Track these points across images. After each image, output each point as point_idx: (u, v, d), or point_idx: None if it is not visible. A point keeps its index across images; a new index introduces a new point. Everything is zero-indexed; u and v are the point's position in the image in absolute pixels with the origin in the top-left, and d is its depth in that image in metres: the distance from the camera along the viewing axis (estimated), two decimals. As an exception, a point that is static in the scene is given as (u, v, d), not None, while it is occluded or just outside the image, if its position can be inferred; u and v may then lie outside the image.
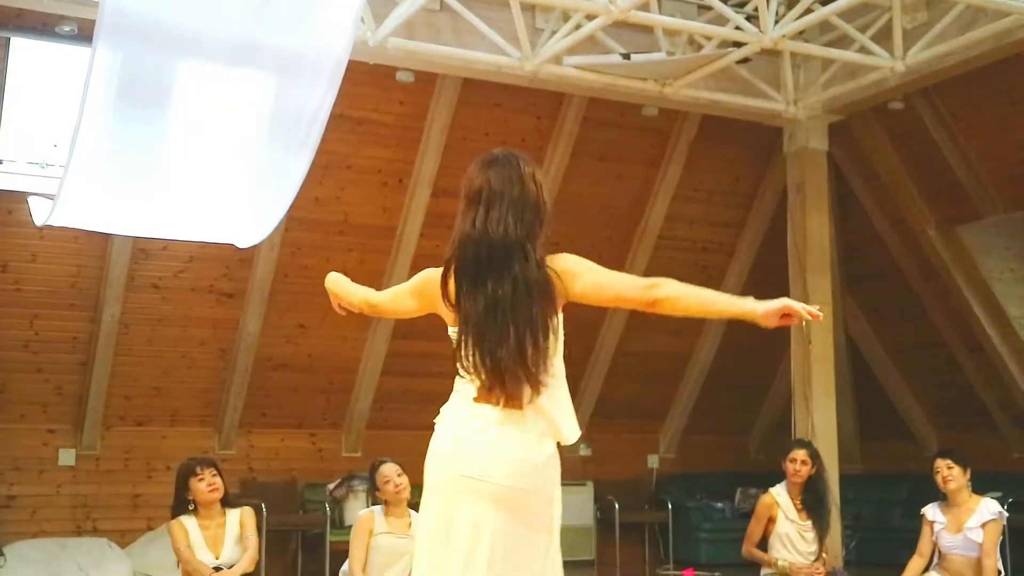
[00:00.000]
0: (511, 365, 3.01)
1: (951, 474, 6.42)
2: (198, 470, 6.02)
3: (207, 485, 6.00)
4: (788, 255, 10.18)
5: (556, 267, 3.10)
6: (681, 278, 3.03)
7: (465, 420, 3.08)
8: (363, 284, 12.54)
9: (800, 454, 6.83)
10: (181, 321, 10.66)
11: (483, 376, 3.05)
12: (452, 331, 3.19)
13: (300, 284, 10.86)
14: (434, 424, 3.23)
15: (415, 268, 10.86)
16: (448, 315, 3.20)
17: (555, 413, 3.10)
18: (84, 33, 7.86)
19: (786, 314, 2.95)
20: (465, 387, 3.15)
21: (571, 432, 3.14)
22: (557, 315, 3.13)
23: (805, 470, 6.80)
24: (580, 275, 3.11)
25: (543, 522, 3.07)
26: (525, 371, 3.02)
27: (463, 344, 3.09)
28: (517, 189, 3.14)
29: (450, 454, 3.07)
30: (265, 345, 10.99)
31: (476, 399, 3.09)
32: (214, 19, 6.36)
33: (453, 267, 3.14)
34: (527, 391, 3.03)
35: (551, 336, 3.07)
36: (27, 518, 10.35)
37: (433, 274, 3.26)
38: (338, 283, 3.71)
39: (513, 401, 3.04)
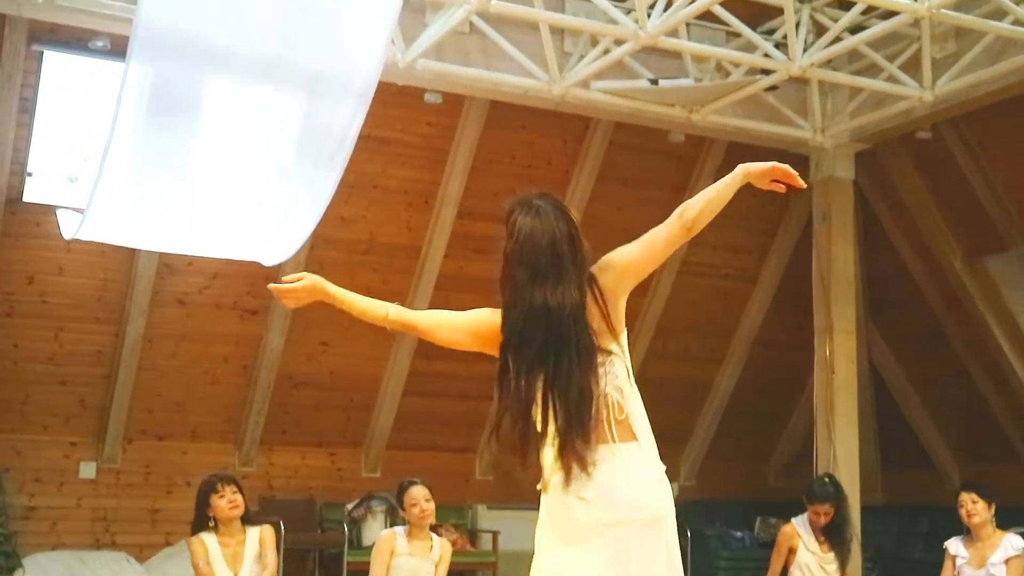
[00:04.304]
0: (567, 438, 3.02)
1: (975, 508, 6.36)
2: (219, 487, 6.02)
3: (228, 502, 5.99)
4: (812, 283, 10.15)
5: (602, 281, 3.13)
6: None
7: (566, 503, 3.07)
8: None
9: (824, 507, 6.76)
10: (205, 337, 10.69)
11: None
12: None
13: (324, 302, 10.87)
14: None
15: (439, 288, 10.98)
16: None
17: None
18: (116, 48, 7.92)
19: (775, 179, 3.22)
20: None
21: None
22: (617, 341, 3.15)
23: (828, 518, 6.76)
24: (627, 271, 3.17)
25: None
26: (575, 448, 3.02)
27: (504, 423, 3.10)
28: (567, 244, 3.11)
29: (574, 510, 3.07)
30: (287, 362, 11.01)
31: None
32: (245, 36, 6.41)
33: (506, 337, 3.10)
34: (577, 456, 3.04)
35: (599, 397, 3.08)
36: (47, 530, 10.38)
37: (491, 317, 3.19)
38: (340, 295, 3.47)
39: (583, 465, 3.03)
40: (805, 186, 3.36)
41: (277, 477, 11.37)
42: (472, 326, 3.23)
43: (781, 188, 3.29)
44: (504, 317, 3.10)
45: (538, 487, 3.17)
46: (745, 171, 3.24)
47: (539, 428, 3.05)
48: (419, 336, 3.41)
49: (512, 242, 3.12)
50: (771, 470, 13.72)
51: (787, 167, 3.25)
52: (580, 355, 3.03)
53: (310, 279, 3.45)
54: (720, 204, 3.24)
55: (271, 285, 3.46)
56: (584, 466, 3.00)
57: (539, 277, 3.06)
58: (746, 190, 3.35)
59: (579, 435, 3.00)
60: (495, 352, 3.18)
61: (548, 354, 3.02)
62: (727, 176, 3.25)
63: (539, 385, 3.03)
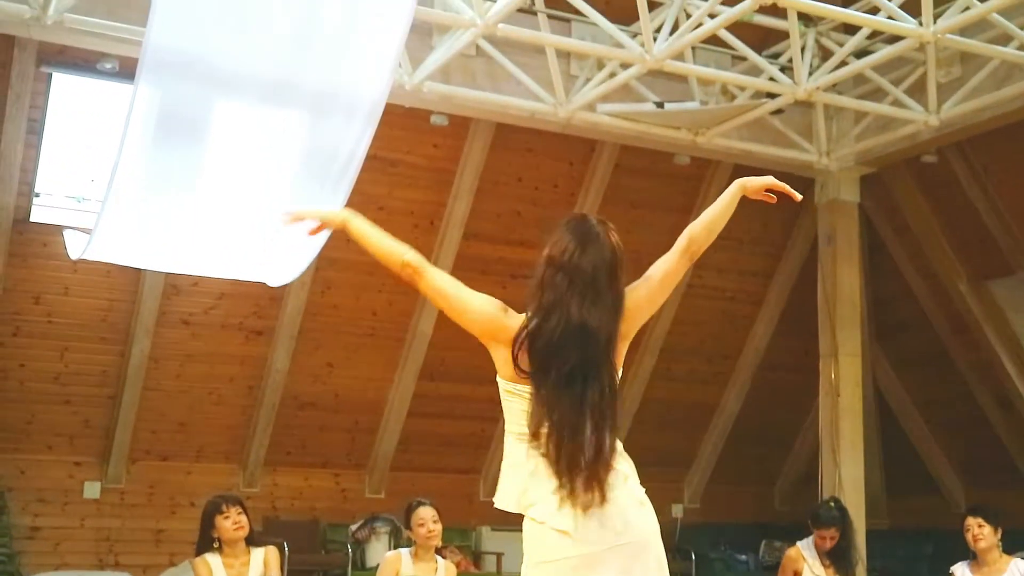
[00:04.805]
0: (592, 468, 2.98)
1: (982, 532, 6.33)
2: (224, 508, 5.99)
3: (233, 523, 5.97)
4: (818, 306, 10.15)
5: (623, 327, 3.10)
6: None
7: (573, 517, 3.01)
8: (391, 326, 12.50)
9: (830, 532, 6.74)
10: (210, 357, 10.70)
11: (561, 470, 2.99)
12: (510, 386, 3.11)
13: (329, 323, 10.90)
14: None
15: (444, 310, 10.96)
16: (505, 367, 3.11)
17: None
18: (125, 70, 7.96)
19: (769, 189, 3.29)
20: (532, 463, 3.06)
21: None
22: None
23: (834, 542, 6.75)
24: (636, 314, 3.14)
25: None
26: (604, 469, 3.00)
27: (546, 432, 3.00)
28: (607, 274, 3.07)
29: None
30: (292, 383, 11.02)
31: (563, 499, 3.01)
32: (253, 58, 6.44)
33: (539, 344, 3.01)
34: (598, 485, 3.00)
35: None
36: (50, 550, 10.37)
37: (501, 317, 3.12)
38: (361, 228, 3.22)
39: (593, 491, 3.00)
40: (800, 198, 3.42)
41: (281, 498, 11.36)
42: (480, 314, 3.15)
43: (772, 199, 3.36)
44: (541, 322, 3.02)
45: (500, 503, 3.11)
46: (742, 185, 3.33)
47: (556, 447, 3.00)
48: (423, 294, 3.30)
49: (558, 249, 3.09)
50: (776, 493, 13.69)
51: (783, 185, 3.33)
52: (611, 389, 3.02)
53: (328, 212, 3.35)
54: (722, 222, 3.31)
55: (289, 214, 3.36)
56: (602, 500, 2.99)
57: (578, 291, 3.02)
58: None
59: (603, 469, 2.99)
60: (487, 342, 3.13)
61: (577, 376, 2.98)
62: (725, 193, 3.32)
63: (568, 403, 2.99)
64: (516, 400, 3.10)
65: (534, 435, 3.01)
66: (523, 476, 3.07)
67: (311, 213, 3.32)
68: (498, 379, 3.15)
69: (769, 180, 3.33)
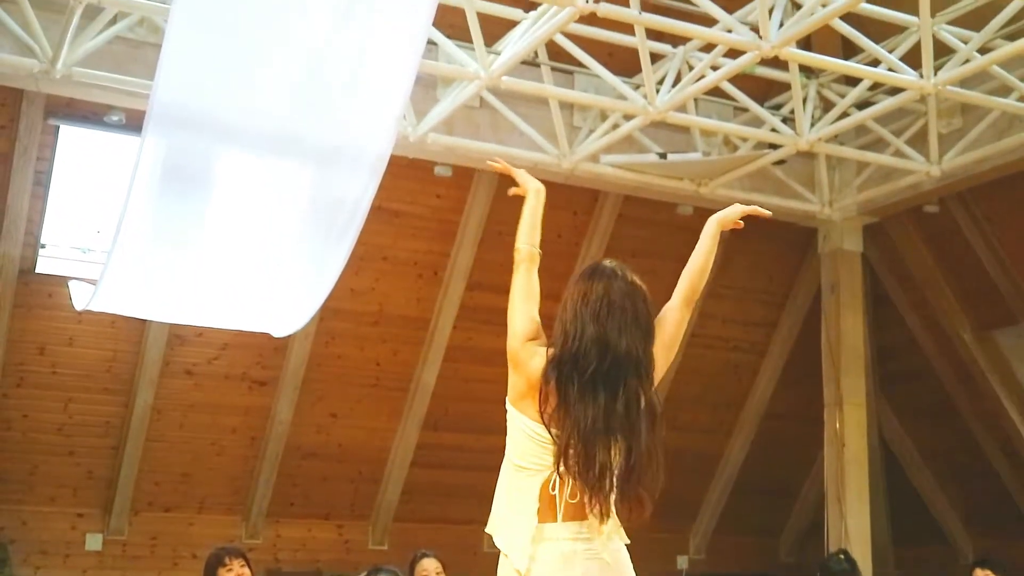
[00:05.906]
0: (621, 487, 2.99)
1: (990, 584, 6.31)
2: (226, 560, 5.97)
3: None
4: (822, 355, 10.15)
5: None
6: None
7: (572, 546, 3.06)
8: (395, 376, 12.47)
9: None
10: (213, 408, 10.68)
11: (586, 491, 2.97)
12: (512, 411, 3.10)
13: (333, 373, 10.89)
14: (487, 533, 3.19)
15: (448, 360, 10.98)
16: (512, 391, 3.11)
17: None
18: (132, 122, 8.03)
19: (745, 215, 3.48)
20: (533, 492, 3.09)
21: None
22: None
23: None
24: (661, 361, 3.15)
25: None
26: (637, 494, 3.02)
27: (568, 453, 2.97)
28: (641, 307, 3.11)
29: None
30: (296, 434, 10.98)
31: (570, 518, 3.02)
32: (258, 112, 6.48)
33: (562, 364, 3.00)
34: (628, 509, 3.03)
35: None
36: (51, 604, 10.31)
37: (521, 353, 3.11)
38: (535, 210, 3.58)
39: (608, 515, 3.00)
40: (770, 214, 3.63)
41: (284, 550, 11.29)
42: (510, 334, 3.17)
43: (740, 225, 3.52)
44: (561, 345, 3.04)
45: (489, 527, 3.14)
46: (719, 222, 3.50)
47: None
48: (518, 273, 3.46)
49: (572, 283, 3.17)
50: (782, 544, 13.60)
51: (752, 208, 3.53)
52: (648, 405, 3.01)
53: (527, 177, 3.59)
54: (710, 262, 3.46)
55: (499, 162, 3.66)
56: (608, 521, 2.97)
57: (592, 309, 3.05)
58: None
59: (631, 486, 3.01)
60: (513, 370, 3.13)
61: (600, 382, 2.96)
62: (704, 234, 3.47)
63: (591, 412, 2.96)
64: (514, 427, 3.13)
65: (561, 452, 2.98)
66: (506, 504, 3.21)
67: (517, 172, 3.60)
68: (507, 401, 3.16)
69: (738, 208, 3.51)
